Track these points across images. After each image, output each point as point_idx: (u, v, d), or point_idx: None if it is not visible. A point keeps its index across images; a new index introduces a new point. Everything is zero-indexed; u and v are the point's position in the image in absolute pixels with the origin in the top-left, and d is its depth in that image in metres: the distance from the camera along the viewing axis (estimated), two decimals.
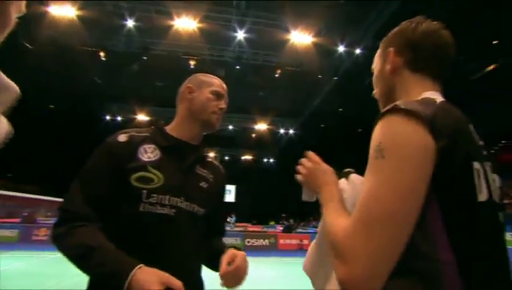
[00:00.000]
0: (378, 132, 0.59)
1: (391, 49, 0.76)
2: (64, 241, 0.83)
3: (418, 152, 0.53)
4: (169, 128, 1.09)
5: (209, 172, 1.10)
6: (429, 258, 0.53)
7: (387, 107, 0.60)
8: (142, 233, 0.90)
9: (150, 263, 0.80)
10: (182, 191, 0.97)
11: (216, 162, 1.20)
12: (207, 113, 1.07)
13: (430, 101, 0.62)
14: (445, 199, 0.54)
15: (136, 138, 0.98)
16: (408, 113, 0.56)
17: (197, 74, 1.15)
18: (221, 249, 1.01)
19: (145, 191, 0.91)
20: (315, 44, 11.11)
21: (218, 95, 1.09)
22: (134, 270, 0.76)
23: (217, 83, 1.12)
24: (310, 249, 0.85)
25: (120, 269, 0.77)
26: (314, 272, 0.82)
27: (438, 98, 0.66)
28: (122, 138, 0.97)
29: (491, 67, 10.34)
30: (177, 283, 0.76)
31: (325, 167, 0.80)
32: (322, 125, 19.45)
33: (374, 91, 0.85)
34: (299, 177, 0.83)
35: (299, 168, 0.83)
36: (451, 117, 0.59)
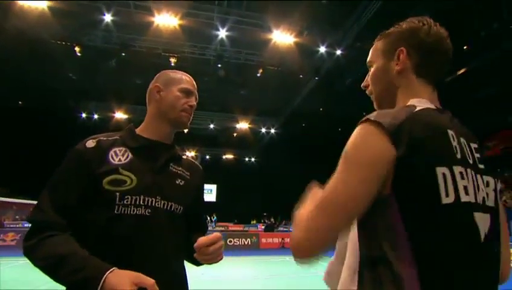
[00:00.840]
0: (350, 138, 0.66)
1: (403, 49, 0.74)
2: (35, 253, 0.83)
3: (373, 158, 0.61)
4: (140, 129, 1.08)
5: (184, 169, 1.09)
6: (391, 248, 0.60)
7: (366, 117, 0.65)
8: (118, 235, 0.89)
9: (127, 265, 0.81)
10: (157, 191, 0.96)
11: (192, 159, 1.20)
12: (176, 112, 1.05)
13: (407, 109, 0.65)
14: (405, 203, 0.59)
15: (104, 143, 0.98)
16: (375, 123, 0.62)
17: (165, 71, 1.13)
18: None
19: (118, 194, 0.90)
20: (297, 44, 11.23)
21: (187, 93, 1.08)
22: (106, 274, 0.76)
23: (185, 79, 1.10)
24: (330, 262, 0.94)
25: (92, 275, 0.77)
26: (333, 282, 0.89)
27: (421, 105, 0.68)
28: (90, 143, 0.96)
29: (462, 71, 10.91)
30: (149, 281, 0.77)
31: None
32: (303, 125, 19.71)
33: (369, 87, 0.84)
34: None
35: None
36: (421, 126, 0.62)
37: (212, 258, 0.96)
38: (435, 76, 0.75)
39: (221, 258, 0.99)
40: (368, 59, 0.84)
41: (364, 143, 0.63)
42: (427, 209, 0.59)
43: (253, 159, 25.81)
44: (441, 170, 0.59)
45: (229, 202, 23.41)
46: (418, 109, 0.66)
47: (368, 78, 0.84)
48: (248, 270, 7.26)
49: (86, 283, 0.76)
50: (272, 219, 20.48)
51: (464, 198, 0.60)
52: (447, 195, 0.59)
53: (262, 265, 8.60)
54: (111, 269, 0.78)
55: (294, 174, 22.44)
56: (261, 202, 23.57)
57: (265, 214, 22.72)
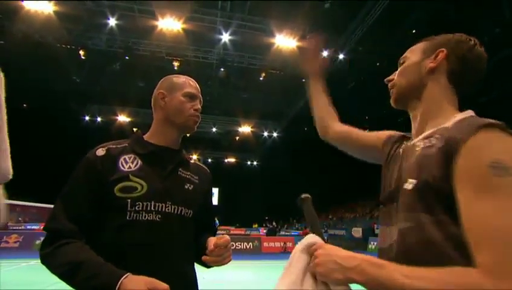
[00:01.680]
0: (488, 148, 0.55)
1: (444, 50, 0.75)
2: (52, 260, 0.85)
3: None
4: (147, 136, 1.09)
5: (193, 173, 1.10)
6: None
7: (486, 122, 0.59)
8: (131, 241, 0.91)
9: (140, 271, 0.82)
10: (167, 196, 0.98)
11: (200, 163, 1.21)
12: (184, 117, 1.06)
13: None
14: None
15: (113, 151, 1.00)
16: (507, 131, 0.56)
17: (168, 77, 1.14)
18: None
19: (129, 200, 0.92)
20: (299, 48, 11.27)
21: (191, 97, 1.09)
22: (120, 280, 0.78)
23: (188, 83, 1.11)
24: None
25: (107, 281, 0.78)
26: None
27: None
28: (100, 152, 0.98)
29: None
30: (163, 286, 0.78)
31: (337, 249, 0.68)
32: (306, 129, 19.71)
33: (394, 80, 0.83)
34: (318, 272, 0.66)
35: (313, 264, 0.68)
36: None
37: (222, 259, 0.97)
38: (464, 90, 0.76)
39: (230, 260, 1.00)
40: (403, 55, 0.84)
41: None
42: None
43: (255, 163, 25.80)
44: None
45: (231, 205, 23.39)
46: None
47: (396, 72, 0.84)
48: (250, 275, 7.21)
49: (101, 288, 0.78)
50: (274, 223, 20.39)
51: None
52: None
53: (264, 269, 8.55)
54: (125, 275, 0.79)
55: (296, 178, 22.39)
56: (262, 206, 23.51)
57: (267, 218, 22.63)
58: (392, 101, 0.84)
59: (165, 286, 0.78)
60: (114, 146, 1.01)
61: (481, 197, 0.52)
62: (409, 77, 0.79)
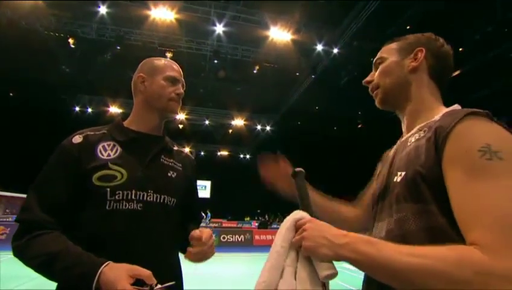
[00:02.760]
0: (476, 133, 0.56)
1: (423, 49, 0.78)
2: (26, 252, 0.81)
3: None
4: (128, 122, 1.05)
5: (176, 161, 1.07)
6: None
7: (471, 110, 0.60)
8: (111, 231, 0.87)
9: (122, 260, 0.79)
10: (149, 184, 0.94)
11: (183, 149, 1.16)
12: (164, 101, 1.02)
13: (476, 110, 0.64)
14: None
15: (92, 137, 0.95)
16: (497, 122, 0.58)
17: (148, 59, 1.09)
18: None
19: (108, 189, 0.88)
20: (294, 41, 11.20)
21: (173, 81, 1.04)
22: (101, 269, 0.75)
23: (170, 66, 1.06)
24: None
25: (86, 271, 0.75)
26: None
27: None
28: (76, 139, 0.93)
29: (456, 72, 11.03)
30: (145, 272, 0.76)
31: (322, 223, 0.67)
32: (299, 123, 19.75)
33: (375, 81, 0.83)
34: (305, 245, 0.64)
35: (300, 236, 0.66)
36: None
37: (203, 255, 0.95)
38: (443, 85, 0.79)
39: (212, 255, 0.98)
40: (378, 56, 0.84)
41: (509, 134, 0.57)
42: None
43: (248, 156, 25.79)
44: None
45: (223, 198, 23.40)
46: None
47: (375, 74, 0.84)
48: (241, 267, 7.27)
49: (81, 278, 0.75)
50: (266, 216, 20.55)
51: None
52: None
53: (256, 262, 8.64)
54: (106, 263, 0.77)
55: None
56: (255, 199, 23.61)
57: (259, 211, 22.77)
58: (378, 103, 0.84)
59: (148, 272, 0.76)
60: (92, 133, 0.97)
61: (472, 180, 0.53)
62: (392, 77, 0.79)
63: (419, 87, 0.77)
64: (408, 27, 9.36)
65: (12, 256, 0.83)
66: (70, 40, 10.77)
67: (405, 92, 0.78)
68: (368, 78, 0.85)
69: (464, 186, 0.54)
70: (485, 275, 0.47)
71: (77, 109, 17.53)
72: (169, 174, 1.01)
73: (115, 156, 0.93)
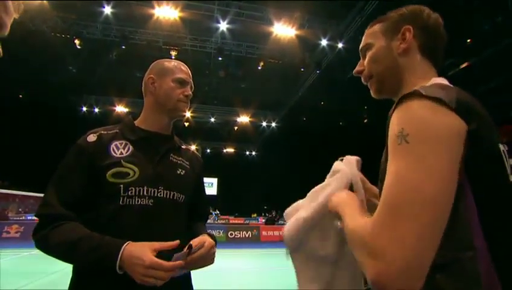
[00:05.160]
0: (398, 119, 0.55)
1: (410, 27, 0.71)
2: (48, 242, 0.85)
3: (448, 133, 0.51)
4: (138, 121, 1.09)
5: (184, 159, 1.11)
6: (465, 247, 0.51)
7: (406, 93, 0.57)
8: (124, 225, 0.91)
9: None
10: (160, 181, 0.98)
11: (191, 148, 1.20)
12: (173, 102, 1.06)
13: (447, 87, 0.60)
14: (478, 183, 0.52)
15: (105, 136, 1.00)
16: (431, 98, 0.53)
17: (159, 61, 1.13)
18: (198, 234, 1.01)
19: (122, 186, 0.93)
20: (298, 37, 11.12)
21: (181, 83, 1.08)
22: (123, 247, 0.80)
23: (179, 69, 1.09)
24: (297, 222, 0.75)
25: (110, 250, 0.81)
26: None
27: (449, 84, 0.64)
28: (91, 138, 0.98)
29: (465, 64, 10.81)
30: (167, 244, 0.83)
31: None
32: (304, 118, 19.66)
33: (366, 71, 0.78)
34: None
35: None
36: (473, 101, 0.57)
37: (202, 263, 0.94)
38: (437, 59, 0.73)
39: (212, 263, 0.98)
40: (364, 42, 0.79)
41: (432, 117, 0.52)
42: (499, 191, 0.53)
43: (253, 153, 25.82)
44: (501, 147, 0.56)
45: (230, 195, 23.53)
46: (453, 86, 0.61)
47: (364, 62, 0.79)
48: (248, 263, 7.32)
49: (104, 258, 0.80)
50: (273, 213, 20.59)
51: None
52: (510, 173, 0.56)
53: (263, 258, 8.68)
54: (127, 242, 0.82)
55: (295, 168, 22.49)
56: (261, 196, 23.67)
57: (265, 207, 22.83)
58: (373, 92, 0.79)
59: (171, 243, 0.82)
60: (105, 132, 1.01)
61: (389, 165, 0.55)
62: (383, 64, 0.74)
63: (412, 71, 0.71)
64: None
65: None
66: (76, 41, 10.89)
67: (398, 78, 0.73)
68: (358, 68, 0.80)
69: (387, 172, 0.56)
70: (361, 248, 0.52)
71: (84, 109, 17.75)
72: (178, 172, 1.06)
73: (127, 154, 0.98)
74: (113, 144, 0.99)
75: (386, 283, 0.46)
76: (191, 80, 1.12)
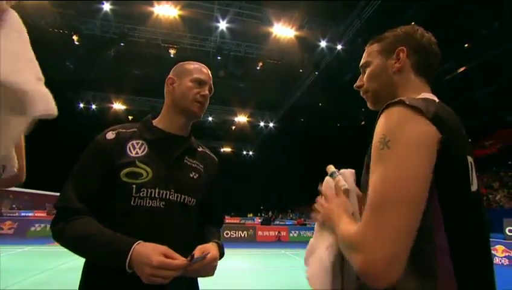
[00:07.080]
0: (382, 125, 0.62)
1: (404, 48, 0.78)
2: (64, 234, 0.87)
3: (425, 139, 0.58)
4: (157, 121, 1.10)
5: (199, 162, 1.10)
6: (426, 242, 0.57)
7: (391, 101, 0.63)
8: (133, 227, 0.91)
9: None
10: (171, 184, 0.98)
11: (208, 151, 1.20)
12: (188, 102, 1.06)
13: (431, 100, 0.67)
14: (444, 187, 0.59)
15: (123, 135, 1.01)
16: (411, 107, 0.60)
17: (181, 63, 1.14)
18: (207, 241, 1.00)
19: (134, 186, 0.93)
20: (297, 38, 11.14)
21: (199, 83, 1.08)
22: (134, 246, 0.81)
23: (198, 70, 1.10)
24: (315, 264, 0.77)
25: (120, 247, 0.82)
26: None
27: (435, 99, 0.71)
28: (110, 135, 1.00)
29: (462, 69, 10.90)
30: (176, 257, 0.82)
31: (340, 201, 0.76)
32: (302, 119, 19.70)
33: (364, 86, 0.85)
34: (316, 217, 0.80)
35: (317, 207, 0.81)
36: (449, 115, 0.65)
37: (200, 272, 0.92)
38: (430, 75, 0.79)
39: (212, 275, 0.96)
40: (363, 60, 0.86)
41: (411, 124, 0.59)
42: (461, 198, 0.61)
43: (251, 153, 25.84)
44: (469, 159, 0.64)
45: (227, 195, 23.52)
46: (437, 101, 0.69)
47: (363, 78, 0.86)
48: (244, 263, 7.32)
49: (115, 254, 0.81)
50: (270, 213, 20.62)
51: (474, 187, 0.65)
52: (472, 183, 0.63)
53: (259, 258, 8.68)
54: (138, 242, 0.82)
55: (292, 168, 22.53)
56: (258, 196, 23.70)
57: (262, 207, 22.86)
58: (369, 105, 0.87)
59: (181, 263, 0.81)
60: (124, 130, 1.02)
61: (372, 171, 0.61)
62: (379, 82, 0.81)
63: (405, 88, 0.77)
64: (413, 23, 9.24)
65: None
66: (75, 37, 10.84)
67: (393, 93, 0.79)
68: (358, 83, 0.87)
69: (371, 177, 0.61)
70: (349, 247, 0.59)
71: (81, 105, 17.64)
72: (191, 175, 1.05)
73: (142, 154, 0.98)
74: (130, 143, 0.99)
75: (370, 273, 0.53)
76: (211, 82, 1.13)
